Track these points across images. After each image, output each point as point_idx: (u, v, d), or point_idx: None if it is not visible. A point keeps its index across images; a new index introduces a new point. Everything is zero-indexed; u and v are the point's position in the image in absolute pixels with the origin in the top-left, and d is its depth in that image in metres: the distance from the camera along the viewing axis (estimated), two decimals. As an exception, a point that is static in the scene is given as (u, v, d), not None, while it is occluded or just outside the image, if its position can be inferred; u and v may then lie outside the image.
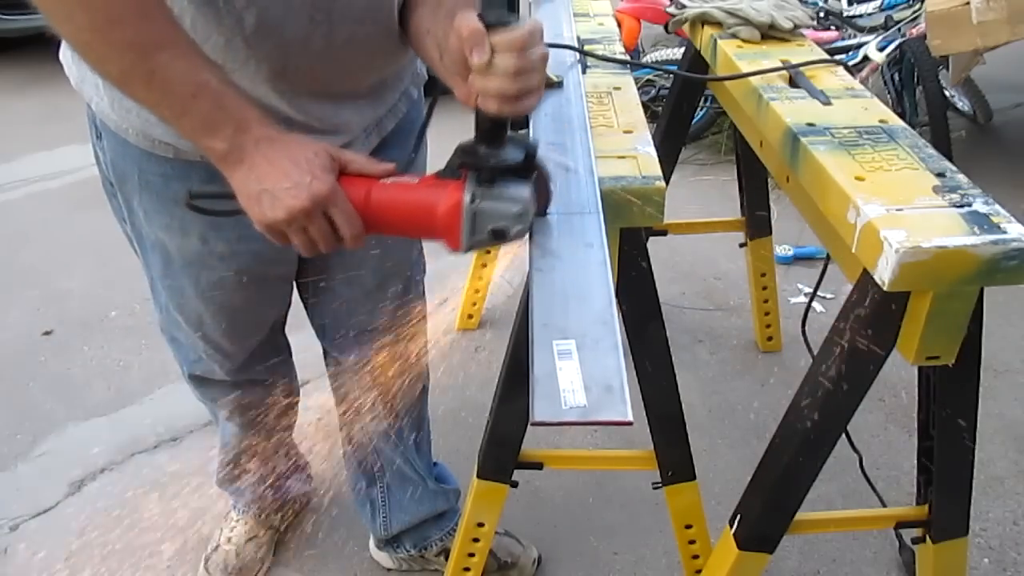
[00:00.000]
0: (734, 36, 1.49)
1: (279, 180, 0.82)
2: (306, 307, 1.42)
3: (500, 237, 0.83)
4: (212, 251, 1.15)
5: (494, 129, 0.81)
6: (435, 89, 1.04)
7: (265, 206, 0.83)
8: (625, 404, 0.64)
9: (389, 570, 1.71)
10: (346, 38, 0.99)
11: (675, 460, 1.32)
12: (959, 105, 3.87)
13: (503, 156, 0.82)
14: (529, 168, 0.84)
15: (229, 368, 1.37)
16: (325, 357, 1.52)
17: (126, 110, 1.02)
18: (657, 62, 3.58)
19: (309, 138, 0.88)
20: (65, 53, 1.09)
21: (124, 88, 0.84)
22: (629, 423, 0.62)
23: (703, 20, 1.60)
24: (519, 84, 0.76)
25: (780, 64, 1.31)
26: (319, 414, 2.10)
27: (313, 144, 0.86)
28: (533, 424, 0.64)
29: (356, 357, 1.44)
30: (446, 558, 1.62)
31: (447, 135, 1.07)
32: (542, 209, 0.88)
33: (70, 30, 0.81)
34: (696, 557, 1.46)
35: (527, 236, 0.86)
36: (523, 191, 0.83)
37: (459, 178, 0.84)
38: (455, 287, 2.63)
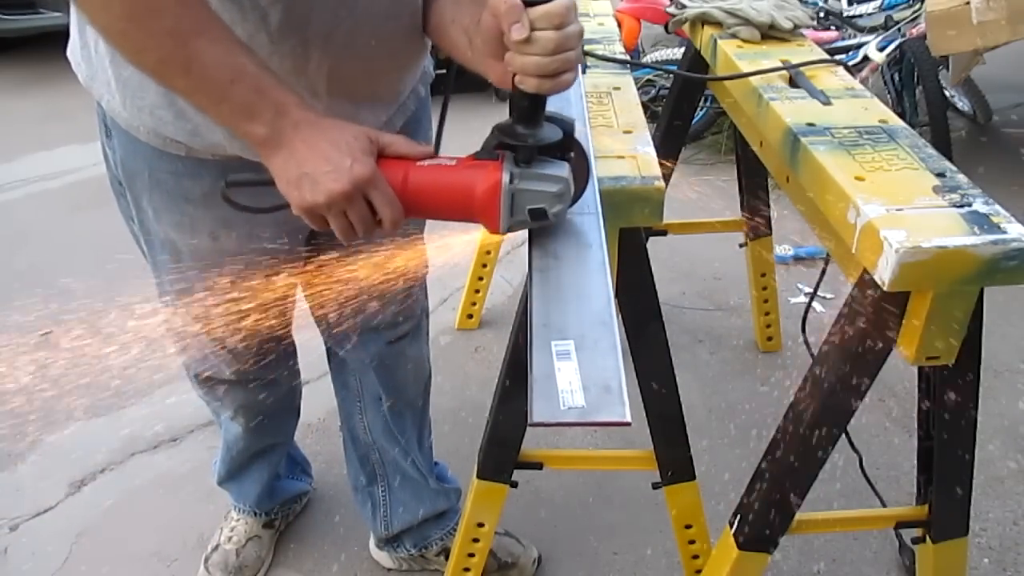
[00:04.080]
0: (734, 36, 1.49)
1: (319, 164, 0.81)
2: (310, 304, 1.43)
3: (539, 217, 0.82)
4: (222, 248, 1.15)
5: (531, 108, 0.81)
6: (446, 89, 1.04)
7: (305, 190, 0.82)
8: (623, 405, 0.64)
9: (389, 570, 1.71)
10: (369, 35, 0.99)
11: (675, 460, 1.32)
12: (959, 105, 3.87)
13: (541, 135, 0.82)
14: (567, 147, 0.84)
15: (235, 367, 1.37)
16: (328, 355, 1.52)
17: (138, 108, 1.02)
18: (657, 62, 3.58)
19: (347, 121, 0.87)
20: (74, 51, 1.09)
21: (161, 78, 0.84)
22: (627, 424, 0.62)
23: (703, 20, 1.60)
24: (559, 59, 0.76)
25: (780, 64, 1.31)
26: (319, 414, 2.11)
27: (352, 127, 0.85)
28: (531, 425, 0.64)
29: (357, 355, 1.44)
30: (446, 558, 1.62)
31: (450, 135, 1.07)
32: (580, 188, 0.87)
33: (107, 20, 0.80)
34: (696, 557, 1.46)
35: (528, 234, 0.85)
36: (561, 170, 0.82)
37: (496, 159, 0.83)
38: (455, 287, 2.64)
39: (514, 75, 0.79)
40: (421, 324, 1.49)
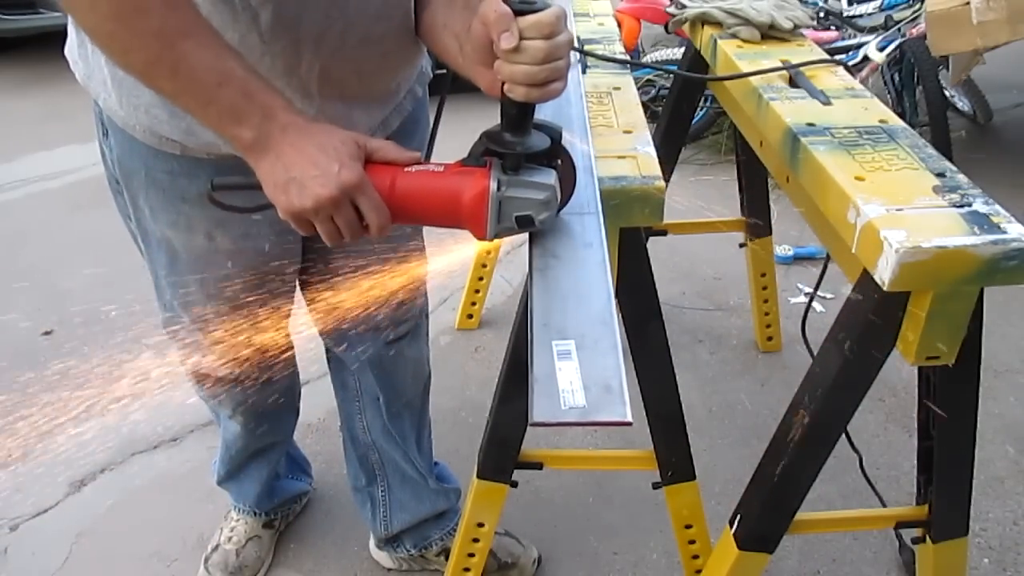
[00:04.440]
0: (734, 36, 1.49)
1: (307, 168, 0.81)
2: (308, 304, 1.43)
3: (526, 224, 0.83)
4: (218, 248, 1.15)
5: (520, 116, 0.81)
6: (442, 89, 1.04)
7: (292, 195, 0.82)
8: (624, 404, 0.64)
9: (389, 570, 1.71)
10: (361, 36, 1.00)
11: (675, 460, 1.32)
12: (959, 105, 3.87)
13: (528, 143, 0.82)
14: (554, 154, 0.84)
15: (233, 367, 1.37)
16: (327, 354, 1.53)
17: (134, 107, 1.02)
18: (657, 62, 3.58)
19: (339, 123, 0.86)
20: (71, 49, 1.09)
21: (148, 79, 0.84)
22: (628, 423, 0.62)
23: (703, 20, 1.60)
24: (547, 68, 0.77)
25: (780, 64, 1.31)
26: (319, 414, 2.11)
27: (340, 132, 0.85)
28: (532, 425, 0.64)
29: (355, 355, 1.45)
30: (446, 558, 1.62)
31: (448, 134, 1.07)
32: (567, 195, 0.88)
33: (94, 20, 0.80)
34: (696, 557, 1.46)
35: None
36: (548, 178, 0.82)
37: (484, 166, 0.83)
38: (455, 287, 2.64)
39: (503, 83, 0.79)
40: (420, 325, 1.49)
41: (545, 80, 0.77)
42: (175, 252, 1.18)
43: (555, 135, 0.84)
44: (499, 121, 0.83)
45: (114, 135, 1.10)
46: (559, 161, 0.85)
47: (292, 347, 1.51)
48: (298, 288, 1.36)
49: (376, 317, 1.37)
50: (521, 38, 0.75)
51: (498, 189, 0.81)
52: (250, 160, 0.85)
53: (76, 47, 1.07)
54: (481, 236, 0.85)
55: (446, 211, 0.85)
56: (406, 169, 0.86)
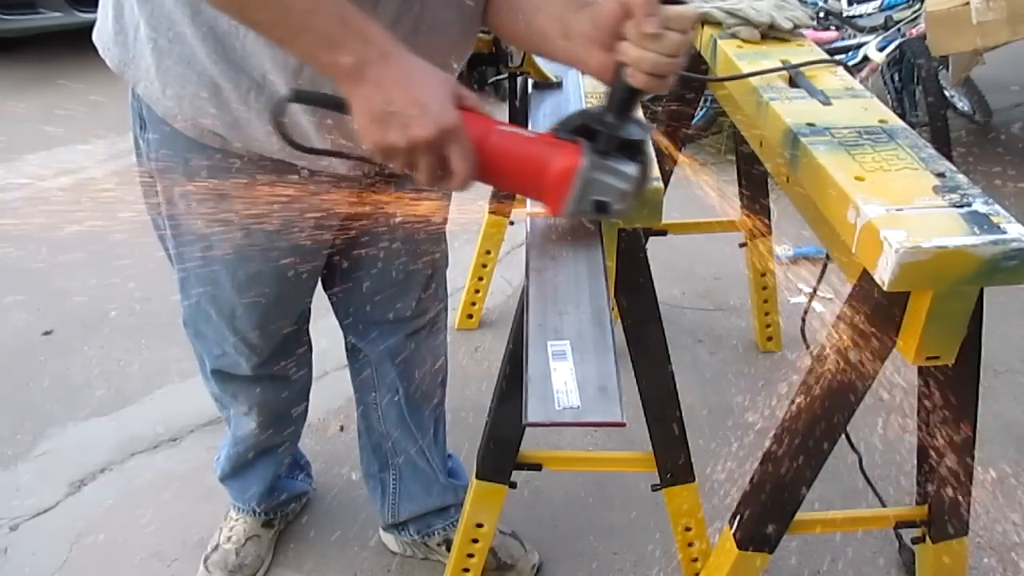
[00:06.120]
0: (734, 36, 1.48)
1: (407, 105, 0.80)
2: (330, 298, 1.43)
3: (601, 210, 0.82)
4: (253, 243, 1.15)
5: (628, 101, 0.81)
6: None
7: (388, 130, 0.81)
8: (618, 405, 0.64)
9: (393, 554, 1.72)
10: (431, 22, 0.99)
11: (674, 462, 1.32)
12: (959, 105, 3.87)
13: (628, 131, 0.82)
14: (641, 150, 0.84)
15: (254, 362, 1.37)
16: (346, 345, 1.54)
17: (178, 97, 1.02)
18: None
19: (431, 64, 0.85)
20: (103, 35, 1.07)
21: (240, 12, 0.82)
22: (621, 424, 0.62)
23: (703, 20, 1.59)
24: (673, 62, 0.77)
25: (780, 64, 1.31)
26: (319, 414, 2.10)
27: (439, 72, 0.83)
28: (526, 425, 0.64)
29: (374, 346, 1.46)
30: (447, 548, 1.64)
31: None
32: (640, 194, 0.87)
33: None
34: (696, 560, 1.46)
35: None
36: (634, 170, 0.82)
37: (575, 141, 0.82)
38: (455, 287, 2.63)
39: (622, 66, 0.79)
40: (440, 317, 1.50)
41: (667, 72, 0.78)
42: (209, 247, 1.17)
43: (648, 133, 0.84)
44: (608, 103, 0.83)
45: (153, 129, 1.09)
46: (642, 157, 0.85)
47: (311, 344, 1.51)
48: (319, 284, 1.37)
49: (397, 308, 1.39)
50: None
51: (589, 169, 0.81)
52: (345, 88, 0.83)
53: (112, 34, 1.05)
54: (556, 211, 0.84)
55: (529, 178, 0.84)
56: (499, 126, 0.84)
